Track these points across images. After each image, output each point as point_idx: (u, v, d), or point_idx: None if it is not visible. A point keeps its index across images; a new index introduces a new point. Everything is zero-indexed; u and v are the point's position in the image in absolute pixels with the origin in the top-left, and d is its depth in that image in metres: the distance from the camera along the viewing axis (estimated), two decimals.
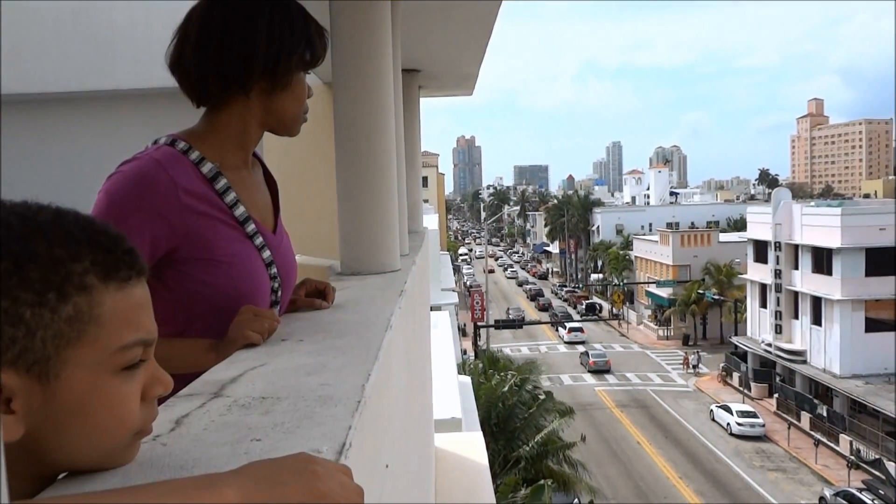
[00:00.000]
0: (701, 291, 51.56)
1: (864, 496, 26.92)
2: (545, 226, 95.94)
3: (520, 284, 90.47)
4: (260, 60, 1.63)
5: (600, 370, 48.08)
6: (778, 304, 39.02)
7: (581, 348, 52.52)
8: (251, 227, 1.67)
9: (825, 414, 34.74)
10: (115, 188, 1.53)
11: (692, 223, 75.21)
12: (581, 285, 79.95)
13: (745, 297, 44.89)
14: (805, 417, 35.41)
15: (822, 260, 35.99)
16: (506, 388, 22.86)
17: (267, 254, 1.70)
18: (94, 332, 0.76)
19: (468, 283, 75.05)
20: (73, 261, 0.75)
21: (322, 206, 5.88)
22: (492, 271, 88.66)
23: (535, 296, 77.73)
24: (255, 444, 0.90)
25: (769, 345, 39.77)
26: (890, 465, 29.03)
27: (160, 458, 0.85)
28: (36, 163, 5.89)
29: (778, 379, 39.62)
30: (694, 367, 47.70)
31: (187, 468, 0.82)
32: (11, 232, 0.74)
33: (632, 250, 66.91)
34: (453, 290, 16.04)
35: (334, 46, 2.58)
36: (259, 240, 1.68)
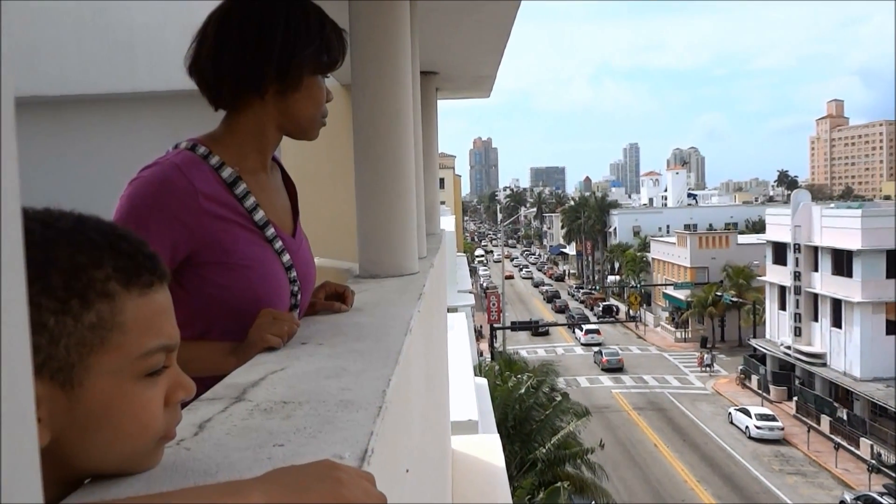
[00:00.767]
0: (719, 294, 51.24)
1: (885, 500, 26.65)
2: (562, 227, 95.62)
3: (535, 286, 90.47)
4: (273, 63, 1.63)
5: (613, 368, 48.40)
6: (797, 307, 38.70)
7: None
8: (270, 232, 1.68)
9: (845, 417, 34.42)
10: (135, 193, 1.55)
11: (710, 225, 74.70)
12: (598, 287, 79.70)
13: (764, 300, 44.56)
14: (825, 421, 35.09)
15: (842, 262, 35.67)
16: (522, 390, 22.83)
17: (286, 258, 1.70)
18: (117, 338, 0.76)
19: (484, 284, 75.02)
20: (95, 267, 0.76)
21: (341, 208, 5.90)
22: (510, 277, 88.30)
23: (551, 297, 77.67)
24: (278, 450, 0.90)
25: (788, 347, 39.45)
26: None
27: (184, 462, 0.85)
28: (54, 165, 5.94)
29: (797, 382, 39.31)
30: (707, 366, 47.65)
31: (211, 473, 0.82)
32: (33, 239, 0.74)
33: (649, 252, 66.61)
34: (470, 292, 16.05)
35: (353, 48, 2.59)
36: (278, 244, 1.69)
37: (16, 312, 0.33)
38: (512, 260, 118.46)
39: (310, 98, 1.70)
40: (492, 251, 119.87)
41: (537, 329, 59.70)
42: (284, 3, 1.67)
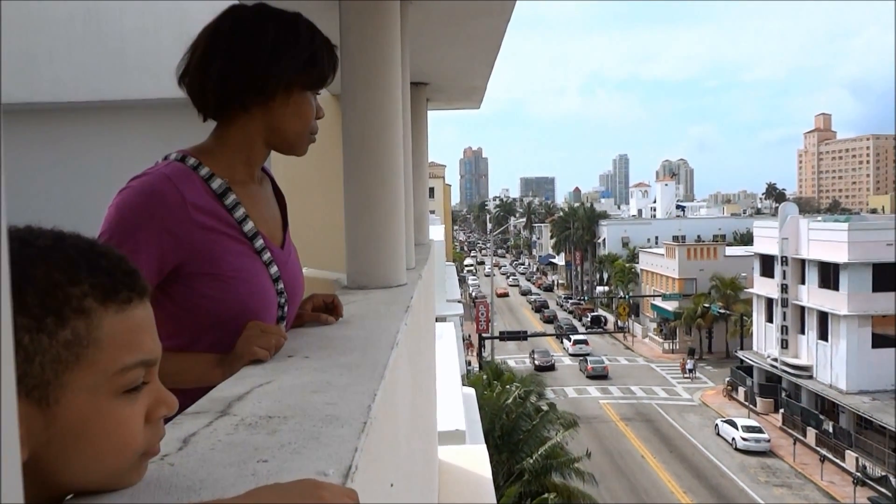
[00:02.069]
0: (707, 305, 51.42)
1: None
2: (551, 238, 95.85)
3: (523, 294, 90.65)
4: (256, 76, 1.64)
5: (598, 376, 49.05)
6: (784, 319, 38.88)
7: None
8: (259, 243, 1.68)
9: (831, 430, 34.54)
10: (125, 203, 1.55)
11: (698, 236, 75.04)
12: (586, 298, 79.82)
13: (751, 312, 44.75)
14: (811, 433, 35.21)
15: (829, 275, 35.87)
16: (510, 400, 22.82)
17: (274, 269, 1.70)
18: (93, 355, 0.76)
19: (473, 294, 75.02)
20: (71, 284, 0.76)
21: (329, 218, 5.90)
22: (505, 294, 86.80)
23: (539, 307, 77.85)
24: (262, 465, 0.90)
25: (775, 359, 39.61)
26: None
27: (168, 478, 0.85)
28: (46, 172, 5.91)
29: (784, 394, 39.44)
30: (690, 370, 48.31)
31: (195, 489, 0.82)
32: (11, 258, 0.74)
33: (638, 263, 66.81)
34: (458, 302, 16.04)
35: (343, 58, 2.59)
36: (267, 255, 1.69)
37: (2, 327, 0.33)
38: (500, 268, 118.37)
39: (297, 114, 1.70)
40: (483, 262, 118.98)
41: (544, 365, 50.93)
42: (275, 18, 1.68)
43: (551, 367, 51.30)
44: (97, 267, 0.79)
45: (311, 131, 1.75)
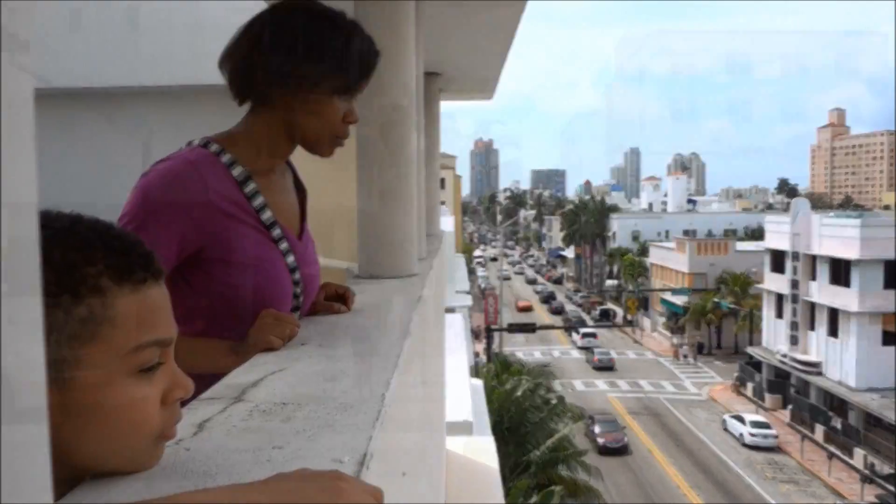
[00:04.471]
0: (716, 300, 51.26)
1: None
2: (561, 230, 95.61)
3: (529, 283, 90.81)
4: (273, 71, 1.63)
5: (604, 367, 49.33)
6: (794, 315, 38.73)
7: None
8: (277, 232, 1.68)
9: (839, 427, 34.43)
10: (148, 187, 1.56)
11: (709, 231, 74.77)
12: (595, 291, 79.67)
13: (761, 307, 44.59)
14: (819, 430, 35.10)
15: (840, 271, 35.69)
16: (518, 393, 22.83)
17: (291, 259, 1.71)
18: (108, 332, 0.77)
19: (482, 285, 74.99)
20: (87, 264, 0.77)
21: (341, 207, 5.90)
22: (529, 308, 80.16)
23: (547, 298, 77.89)
24: (277, 452, 0.90)
25: (784, 355, 39.47)
26: None
27: (184, 463, 0.86)
28: (57, 157, 5.94)
29: (792, 390, 39.32)
30: (685, 356, 48.95)
31: (210, 474, 0.83)
32: None
33: (648, 257, 66.63)
34: (467, 293, 16.03)
35: None
36: (284, 245, 1.69)
37: (31, 306, 0.35)
38: (507, 257, 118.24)
39: (317, 114, 1.68)
40: (495, 258, 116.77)
41: (611, 446, 34.50)
42: (314, 16, 1.66)
43: (624, 450, 35.06)
44: (113, 248, 0.80)
45: (336, 134, 1.73)
